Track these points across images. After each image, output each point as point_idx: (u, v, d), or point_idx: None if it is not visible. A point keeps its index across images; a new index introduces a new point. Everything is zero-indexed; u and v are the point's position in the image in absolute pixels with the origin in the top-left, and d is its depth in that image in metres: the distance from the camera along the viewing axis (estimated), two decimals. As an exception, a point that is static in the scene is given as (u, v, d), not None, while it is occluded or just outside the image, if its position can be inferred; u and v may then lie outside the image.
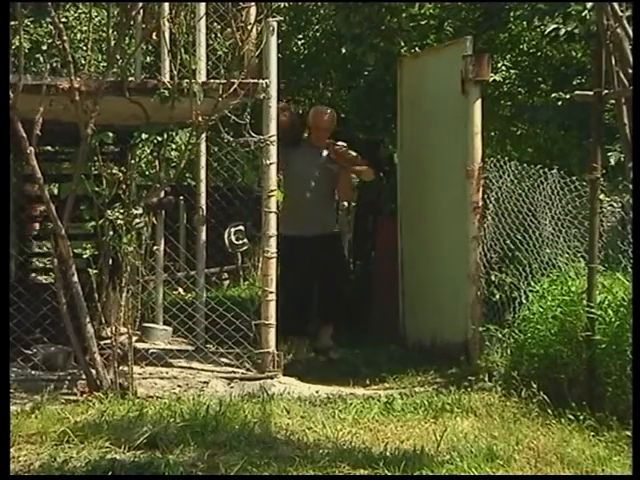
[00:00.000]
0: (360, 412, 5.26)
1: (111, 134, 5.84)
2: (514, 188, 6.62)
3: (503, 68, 9.27)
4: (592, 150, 5.46)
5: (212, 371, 6.27)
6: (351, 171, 7.64)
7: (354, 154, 7.55)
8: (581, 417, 4.97)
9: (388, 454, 4.28)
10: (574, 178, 6.59)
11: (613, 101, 5.02)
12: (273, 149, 6.30)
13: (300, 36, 10.04)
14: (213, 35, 6.62)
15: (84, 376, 5.70)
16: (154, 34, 6.47)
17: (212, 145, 7.27)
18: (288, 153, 7.18)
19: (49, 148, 8.61)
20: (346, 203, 14.13)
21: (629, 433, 4.37)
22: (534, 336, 5.70)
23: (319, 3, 9.79)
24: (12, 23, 5.31)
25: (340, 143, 7.50)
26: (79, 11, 11.88)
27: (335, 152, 7.46)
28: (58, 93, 5.74)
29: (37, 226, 8.79)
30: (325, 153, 7.51)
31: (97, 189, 5.69)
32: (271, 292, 6.23)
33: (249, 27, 6.17)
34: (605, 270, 5.73)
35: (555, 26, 7.38)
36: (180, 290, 8.14)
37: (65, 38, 5.82)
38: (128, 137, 7.04)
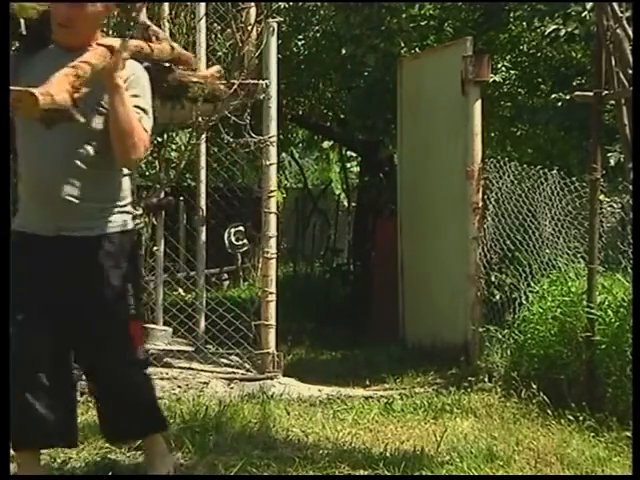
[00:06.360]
0: (360, 413, 5.26)
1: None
2: (514, 189, 6.63)
3: (503, 69, 9.29)
4: (592, 151, 5.46)
5: (212, 372, 6.26)
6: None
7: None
8: (581, 418, 4.97)
9: (388, 455, 4.28)
10: (574, 179, 6.59)
11: (613, 102, 5.03)
12: (273, 150, 6.29)
13: (300, 37, 10.07)
14: (213, 36, 6.62)
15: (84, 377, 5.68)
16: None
17: (212, 146, 7.27)
18: (18, 67, 3.48)
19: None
20: (346, 202, 14.27)
21: (629, 434, 4.36)
22: (534, 337, 5.70)
23: (319, 4, 9.80)
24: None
25: (103, 41, 3.48)
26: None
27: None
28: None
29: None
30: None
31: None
32: (271, 293, 6.22)
33: (249, 28, 6.18)
34: (605, 271, 5.73)
35: (555, 27, 7.39)
36: (180, 291, 8.14)
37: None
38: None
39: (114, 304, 3.47)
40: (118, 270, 3.49)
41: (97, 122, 3.45)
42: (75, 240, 3.46)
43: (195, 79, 4.84)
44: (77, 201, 3.44)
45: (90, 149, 3.47)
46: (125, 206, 3.60)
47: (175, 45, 4.26)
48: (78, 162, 3.45)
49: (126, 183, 3.63)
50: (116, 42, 3.44)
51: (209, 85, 4.98)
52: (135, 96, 3.48)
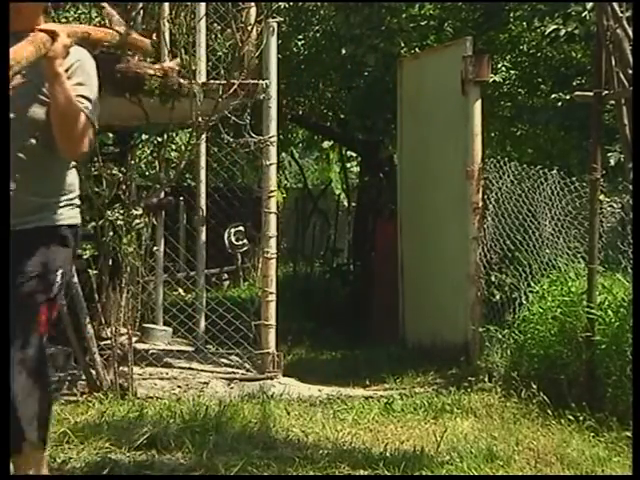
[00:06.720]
0: (360, 413, 5.26)
1: (111, 135, 5.84)
2: (514, 189, 6.63)
3: (503, 69, 9.29)
4: (592, 151, 5.46)
5: (212, 372, 6.27)
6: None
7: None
8: (581, 418, 4.97)
9: (388, 455, 4.28)
10: (574, 179, 6.59)
11: (613, 102, 5.03)
12: (273, 150, 6.29)
13: (300, 37, 10.07)
14: (213, 36, 6.62)
15: (84, 377, 5.70)
16: (154, 35, 6.47)
17: (212, 146, 7.27)
18: None
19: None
20: (346, 202, 14.28)
21: (629, 434, 4.36)
22: (534, 337, 5.70)
23: (319, 4, 9.80)
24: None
25: (45, 26, 3.23)
26: (79, 11, 11.89)
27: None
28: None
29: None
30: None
31: (97, 190, 5.69)
32: (271, 293, 6.23)
33: (249, 28, 6.18)
34: (605, 271, 5.73)
35: (555, 27, 7.40)
36: (180, 291, 8.14)
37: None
38: (128, 138, 7.05)
39: (38, 293, 3.22)
40: (53, 260, 3.25)
41: (39, 113, 3.22)
42: (22, 233, 3.20)
43: (152, 71, 4.62)
44: (22, 195, 3.18)
45: (33, 141, 3.24)
46: (72, 200, 3.39)
47: (130, 31, 4.00)
48: (21, 155, 3.20)
49: (72, 176, 3.41)
50: (58, 27, 3.24)
51: (167, 79, 4.76)
52: (79, 84, 3.26)
